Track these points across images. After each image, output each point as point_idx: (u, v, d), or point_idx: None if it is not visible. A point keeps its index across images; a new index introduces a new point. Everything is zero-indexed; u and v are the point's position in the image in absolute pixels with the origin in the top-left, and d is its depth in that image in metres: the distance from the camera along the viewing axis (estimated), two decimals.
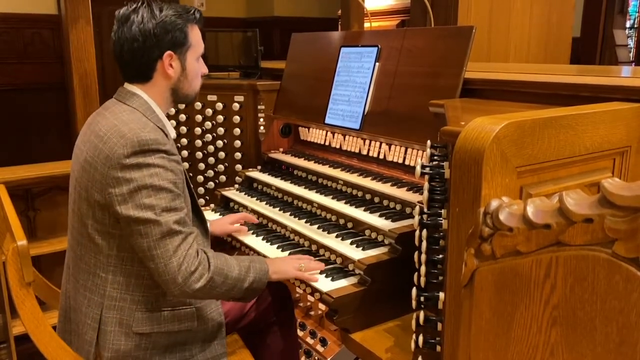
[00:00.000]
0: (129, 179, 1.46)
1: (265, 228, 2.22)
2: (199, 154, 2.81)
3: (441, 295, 1.31)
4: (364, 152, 2.34)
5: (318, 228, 2.02)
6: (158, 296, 1.60)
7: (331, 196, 2.16)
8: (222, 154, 2.78)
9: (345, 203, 2.08)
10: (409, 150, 2.13)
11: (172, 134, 1.69)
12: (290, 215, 2.17)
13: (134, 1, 1.61)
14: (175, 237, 1.49)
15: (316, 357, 2.43)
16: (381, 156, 2.26)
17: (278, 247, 2.02)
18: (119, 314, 1.57)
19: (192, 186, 1.73)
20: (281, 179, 2.46)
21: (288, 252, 1.98)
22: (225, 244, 2.23)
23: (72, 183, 1.63)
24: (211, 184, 2.82)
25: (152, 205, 1.46)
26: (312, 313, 2.58)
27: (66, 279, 1.70)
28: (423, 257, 1.36)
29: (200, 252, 1.55)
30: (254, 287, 1.66)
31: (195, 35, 1.67)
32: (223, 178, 2.80)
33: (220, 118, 2.74)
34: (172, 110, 2.79)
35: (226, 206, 2.52)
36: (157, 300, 1.60)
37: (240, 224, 2.19)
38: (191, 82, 1.70)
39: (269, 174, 2.55)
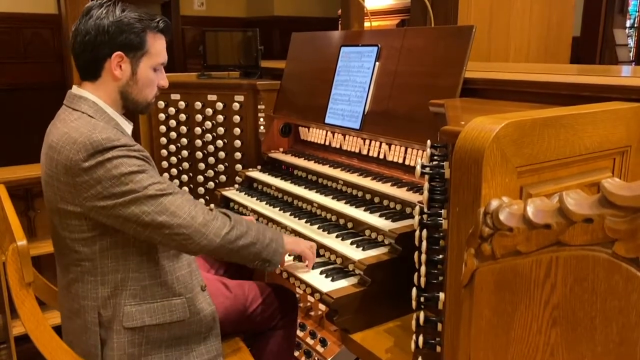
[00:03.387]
0: (97, 177, 1.45)
1: None
2: (199, 154, 2.81)
3: (441, 295, 1.31)
4: (364, 152, 2.34)
5: (318, 228, 2.02)
6: (145, 289, 1.60)
7: (331, 196, 2.16)
8: (222, 154, 2.78)
9: (346, 203, 2.08)
10: (409, 150, 2.13)
11: (129, 129, 1.65)
12: (290, 215, 2.17)
13: None
14: (172, 197, 1.50)
15: (316, 358, 2.43)
16: (381, 156, 2.26)
17: None
18: (111, 311, 1.58)
19: None
20: (281, 179, 2.45)
21: None
22: None
23: (44, 196, 1.63)
24: (211, 184, 2.82)
25: (133, 189, 1.46)
26: (312, 313, 2.58)
27: (59, 291, 1.71)
28: (423, 257, 1.36)
29: (213, 208, 1.59)
30: (274, 247, 1.69)
31: (156, 44, 1.63)
32: (223, 178, 2.80)
33: (220, 118, 2.74)
34: (172, 110, 2.79)
35: (226, 206, 2.51)
36: (145, 293, 1.60)
37: None
38: (142, 89, 1.63)
39: (269, 174, 2.55)
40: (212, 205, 1.55)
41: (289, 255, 1.89)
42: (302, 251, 1.83)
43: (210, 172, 2.83)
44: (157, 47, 1.63)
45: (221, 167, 2.79)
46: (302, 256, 1.84)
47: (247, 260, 1.68)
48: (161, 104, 2.78)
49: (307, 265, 1.84)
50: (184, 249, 1.59)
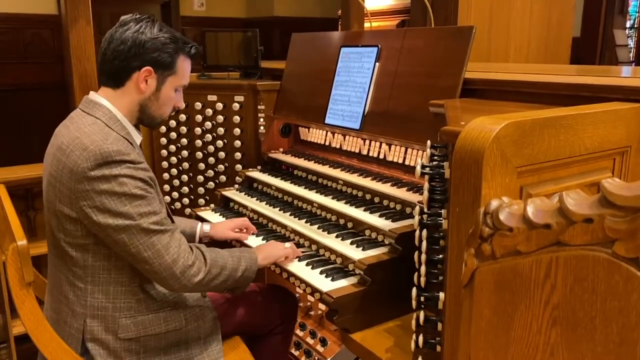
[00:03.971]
0: (99, 190, 1.46)
1: (266, 228, 2.22)
2: (199, 154, 2.81)
3: (441, 295, 1.31)
4: (364, 152, 2.34)
5: (318, 228, 2.02)
6: (140, 301, 1.61)
7: (331, 196, 2.16)
8: (222, 154, 2.78)
9: (346, 203, 2.08)
10: (409, 150, 2.13)
11: (138, 139, 1.67)
12: (291, 215, 2.17)
13: (142, 14, 1.63)
14: (161, 236, 1.52)
15: (316, 357, 2.43)
16: (381, 156, 2.26)
17: None
18: (104, 322, 1.58)
19: (161, 195, 1.72)
20: (281, 179, 2.45)
21: None
22: (225, 244, 2.23)
23: (43, 196, 1.63)
24: (211, 184, 2.82)
25: (130, 213, 1.47)
26: (312, 313, 2.58)
27: (48, 291, 1.71)
28: (423, 257, 1.36)
29: (194, 248, 1.61)
30: (246, 275, 1.72)
31: (183, 67, 1.67)
32: (223, 178, 2.80)
33: (220, 118, 2.74)
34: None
35: (226, 206, 2.52)
36: (140, 305, 1.61)
37: (241, 230, 2.17)
38: (161, 106, 1.67)
39: (269, 174, 2.55)
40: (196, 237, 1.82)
41: None
42: (280, 257, 1.86)
43: (211, 172, 2.83)
44: (185, 70, 1.68)
45: (221, 167, 2.79)
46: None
47: (216, 291, 1.78)
48: None
49: (289, 259, 1.88)
50: (157, 283, 1.63)
